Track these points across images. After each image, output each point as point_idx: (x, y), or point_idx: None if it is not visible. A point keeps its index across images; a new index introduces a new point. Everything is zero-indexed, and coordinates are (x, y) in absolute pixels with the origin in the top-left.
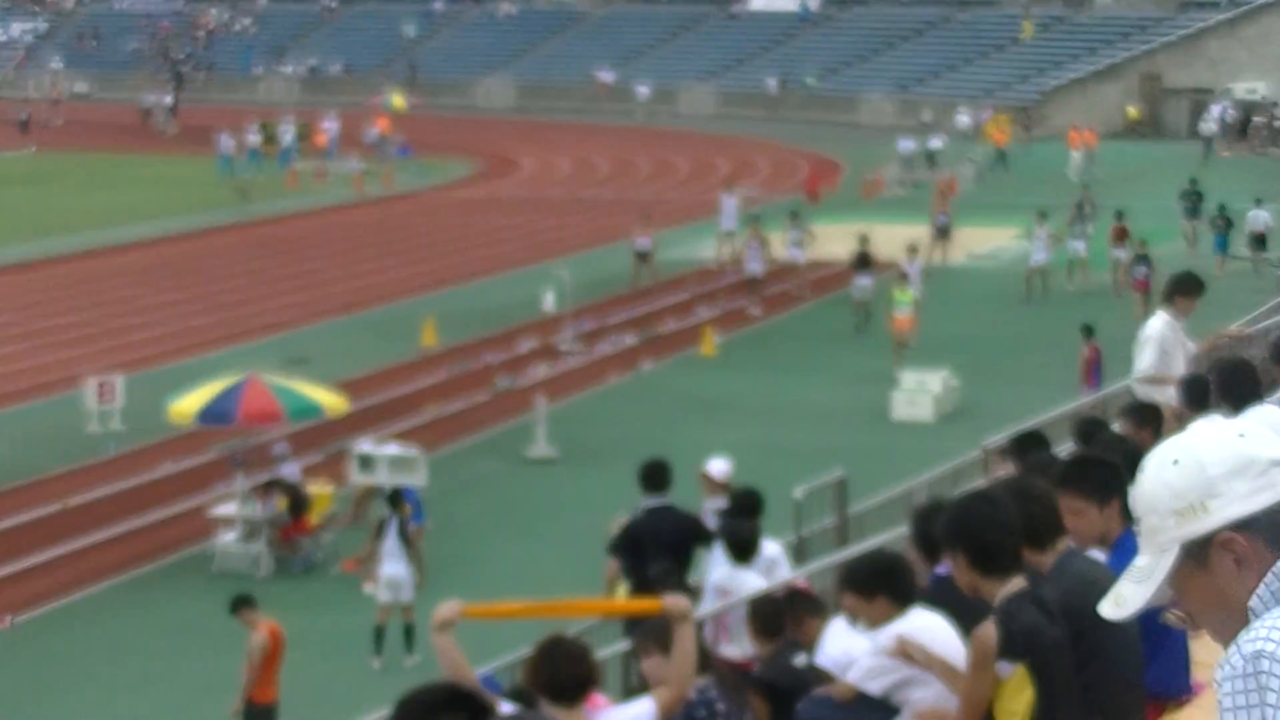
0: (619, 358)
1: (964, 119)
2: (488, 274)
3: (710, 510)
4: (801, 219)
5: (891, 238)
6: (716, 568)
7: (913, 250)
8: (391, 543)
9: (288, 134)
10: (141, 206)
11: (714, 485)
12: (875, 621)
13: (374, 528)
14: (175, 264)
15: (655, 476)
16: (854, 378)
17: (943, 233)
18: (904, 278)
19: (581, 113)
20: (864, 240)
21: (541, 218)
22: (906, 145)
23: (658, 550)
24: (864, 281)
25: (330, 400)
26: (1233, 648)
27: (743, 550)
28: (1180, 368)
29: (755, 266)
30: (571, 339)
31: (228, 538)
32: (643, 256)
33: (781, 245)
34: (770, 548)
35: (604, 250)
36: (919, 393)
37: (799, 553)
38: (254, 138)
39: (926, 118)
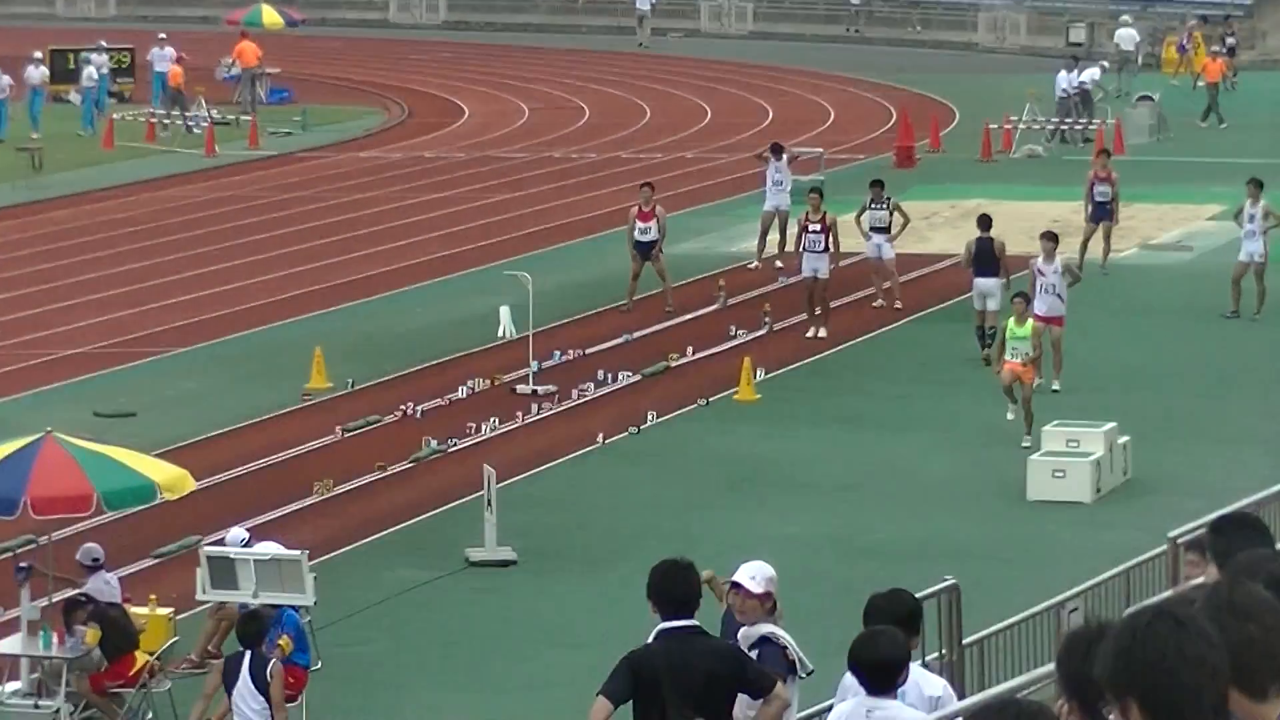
0: (610, 405)
1: (1130, 36)
2: (408, 280)
3: (747, 639)
4: (888, 193)
5: (1025, 220)
6: (840, 699)
7: (1051, 240)
8: (244, 689)
9: (98, 68)
10: None
11: (749, 603)
12: None
13: (218, 669)
14: None
15: (674, 587)
16: (972, 434)
17: (1104, 212)
18: (1023, 301)
19: (550, 32)
20: (986, 223)
21: (491, 192)
22: (1068, 80)
23: (680, 696)
24: (988, 285)
25: (167, 475)
26: None
27: (884, 671)
28: None
29: (817, 264)
30: (538, 378)
31: (9, 689)
32: (645, 250)
33: (858, 231)
34: (931, 682)
35: (586, 242)
36: (1069, 458)
37: None
38: (39, 73)
39: (1076, 36)
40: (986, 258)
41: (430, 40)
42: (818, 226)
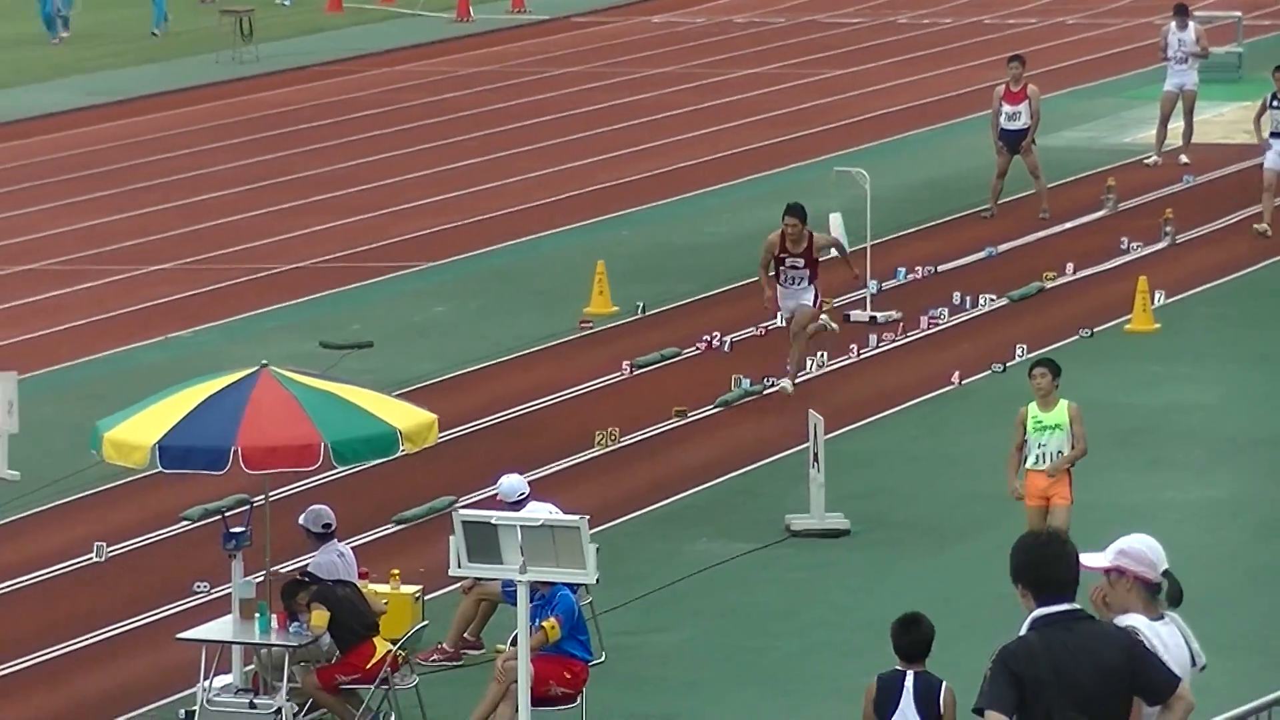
0: (969, 337)
1: None
2: (712, 179)
3: None
4: None
5: None
6: None
7: None
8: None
9: None
10: None
11: (1120, 584)
12: None
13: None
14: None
15: (1051, 566)
16: None
17: None
18: (1047, 373)
19: None
20: None
21: (818, 67)
22: None
23: (1069, 698)
24: None
25: (412, 422)
26: None
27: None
28: None
29: (802, 300)
30: (877, 302)
31: (219, 684)
32: (1013, 141)
33: (1255, 134)
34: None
35: (937, 130)
36: None
37: None
38: None
39: None
40: None
41: None
42: (800, 261)
